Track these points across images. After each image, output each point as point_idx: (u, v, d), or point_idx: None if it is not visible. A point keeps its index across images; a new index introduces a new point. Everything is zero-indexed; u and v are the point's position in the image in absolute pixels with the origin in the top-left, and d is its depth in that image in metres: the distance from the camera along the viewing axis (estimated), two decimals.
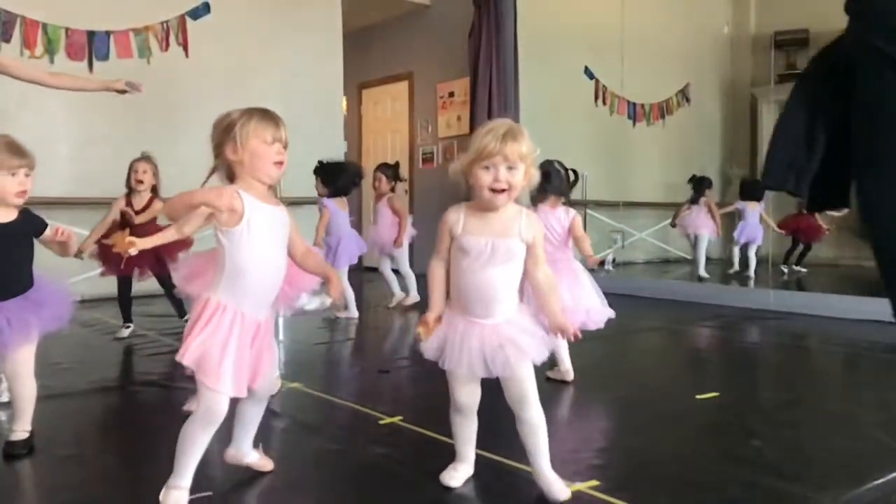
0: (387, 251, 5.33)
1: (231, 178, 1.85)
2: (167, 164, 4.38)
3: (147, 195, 4.15)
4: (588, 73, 7.82)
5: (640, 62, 7.88)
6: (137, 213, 4.05)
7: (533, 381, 1.88)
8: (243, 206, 1.77)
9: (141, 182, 4.12)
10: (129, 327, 4.26)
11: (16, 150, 2.23)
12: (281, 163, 1.85)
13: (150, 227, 3.97)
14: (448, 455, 2.01)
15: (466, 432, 2.00)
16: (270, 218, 1.83)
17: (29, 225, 2.30)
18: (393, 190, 5.33)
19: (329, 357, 3.99)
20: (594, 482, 1.97)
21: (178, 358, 1.72)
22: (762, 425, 2.61)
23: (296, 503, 1.63)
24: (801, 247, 7.08)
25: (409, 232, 5.34)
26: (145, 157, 4.19)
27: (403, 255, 5.34)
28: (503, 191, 1.81)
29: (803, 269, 7.17)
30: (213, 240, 1.87)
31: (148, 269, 4.01)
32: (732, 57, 9.13)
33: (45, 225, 2.33)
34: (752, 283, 6.82)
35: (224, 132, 1.81)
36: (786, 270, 7.08)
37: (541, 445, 1.89)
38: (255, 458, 2.07)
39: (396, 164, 5.55)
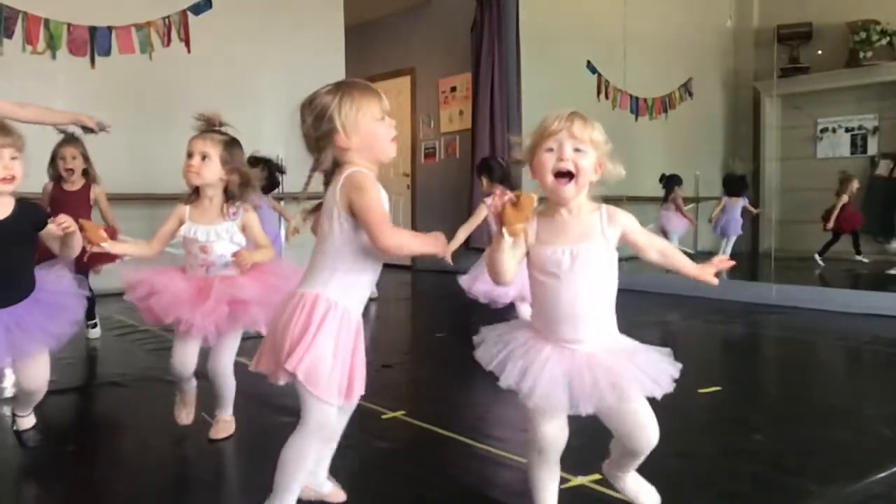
0: None
1: (332, 170, 1.57)
2: (168, 160, 4.35)
3: (80, 182, 3.65)
4: (590, 67, 7.80)
5: (643, 56, 7.85)
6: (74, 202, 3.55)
7: (647, 407, 1.59)
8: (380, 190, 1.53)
9: (71, 171, 3.58)
10: (94, 326, 3.99)
11: None
12: (395, 138, 1.60)
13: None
14: (450, 449, 2.01)
15: (547, 481, 1.64)
16: (387, 204, 1.57)
17: (27, 220, 1.94)
18: None
19: None
20: (597, 476, 1.97)
21: (289, 368, 1.50)
22: (764, 419, 2.62)
23: (298, 496, 1.63)
24: (840, 238, 7.14)
25: None
26: (71, 141, 3.50)
27: None
28: (569, 175, 1.55)
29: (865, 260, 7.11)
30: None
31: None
32: (735, 51, 9.11)
33: (47, 218, 1.96)
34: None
35: (320, 120, 1.52)
36: (822, 263, 7.15)
37: (634, 465, 1.71)
38: (329, 489, 1.79)
39: None
